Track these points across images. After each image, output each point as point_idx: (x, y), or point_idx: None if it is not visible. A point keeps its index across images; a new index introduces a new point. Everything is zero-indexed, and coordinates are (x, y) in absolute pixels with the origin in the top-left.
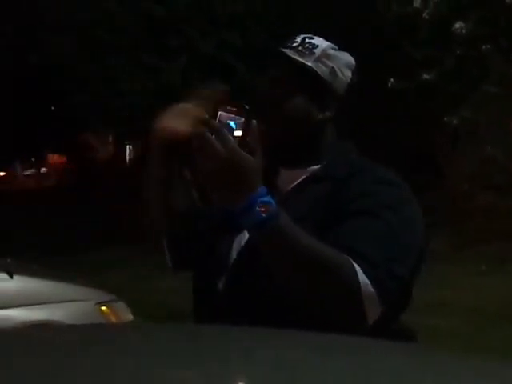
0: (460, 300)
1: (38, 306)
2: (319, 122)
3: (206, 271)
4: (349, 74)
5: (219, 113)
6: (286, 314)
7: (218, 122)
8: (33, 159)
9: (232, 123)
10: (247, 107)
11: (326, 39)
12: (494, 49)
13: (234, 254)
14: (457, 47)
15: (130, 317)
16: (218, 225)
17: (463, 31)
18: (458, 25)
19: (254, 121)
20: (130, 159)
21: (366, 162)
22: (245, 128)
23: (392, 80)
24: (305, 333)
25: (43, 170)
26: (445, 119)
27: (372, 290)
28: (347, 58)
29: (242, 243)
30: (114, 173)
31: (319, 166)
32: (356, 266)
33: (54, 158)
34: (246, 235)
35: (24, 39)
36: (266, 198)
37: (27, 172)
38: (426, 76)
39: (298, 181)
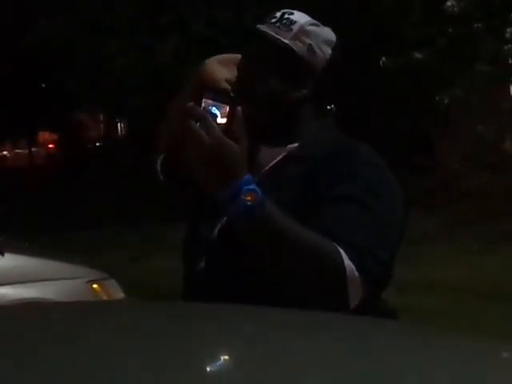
0: (452, 280)
1: (28, 284)
2: (295, 100)
3: (190, 251)
4: (328, 50)
5: (203, 100)
6: (267, 292)
7: (202, 109)
8: (23, 138)
9: (216, 110)
10: (232, 94)
11: (316, 17)
12: (485, 27)
13: (215, 234)
14: (449, 26)
15: (122, 295)
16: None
17: (455, 9)
18: (449, 3)
19: (239, 107)
20: (121, 137)
21: (345, 140)
22: (229, 115)
23: (384, 59)
24: (286, 310)
25: (34, 149)
26: (436, 98)
27: (357, 275)
28: (327, 34)
29: (223, 223)
30: (105, 150)
31: (297, 144)
32: (342, 251)
33: (45, 136)
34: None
35: (17, 18)
36: (252, 186)
37: (18, 151)
38: (417, 55)
39: (276, 160)
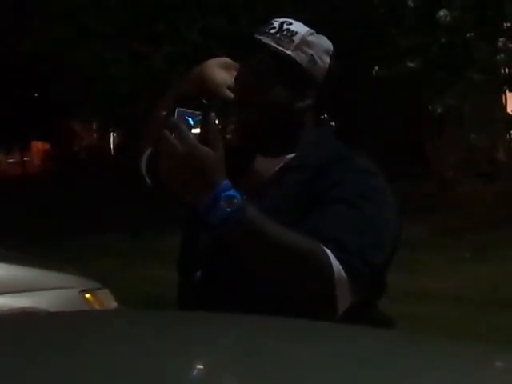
0: (445, 287)
1: (21, 294)
2: (298, 110)
3: (185, 260)
4: (327, 59)
5: (176, 109)
6: (260, 302)
7: (175, 119)
8: (16, 147)
9: (190, 120)
10: (205, 102)
11: (312, 26)
12: (478, 36)
13: (209, 243)
14: (441, 35)
15: (114, 304)
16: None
17: (448, 19)
18: (442, 12)
19: (213, 114)
20: (114, 146)
21: (342, 149)
22: (204, 123)
23: (376, 68)
24: (283, 319)
25: (26, 158)
26: (429, 107)
27: (344, 275)
28: (325, 43)
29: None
30: (99, 160)
31: (294, 154)
32: (328, 251)
33: (38, 146)
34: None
35: (10, 26)
36: (231, 192)
37: (10, 159)
38: (410, 64)
39: (274, 170)
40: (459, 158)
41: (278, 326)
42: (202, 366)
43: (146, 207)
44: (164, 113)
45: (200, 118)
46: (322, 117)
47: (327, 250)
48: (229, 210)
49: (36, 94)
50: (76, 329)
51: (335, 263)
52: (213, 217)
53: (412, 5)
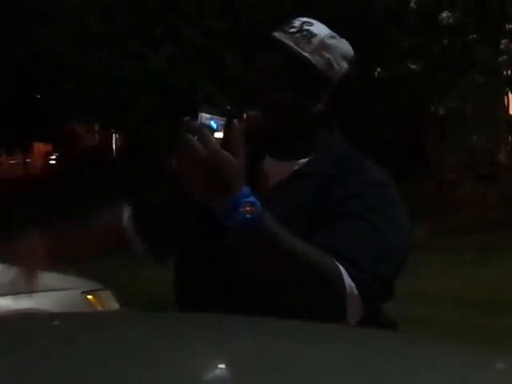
0: (446, 289)
1: (23, 295)
2: (311, 114)
3: (186, 266)
4: (345, 64)
5: (200, 114)
6: (266, 307)
7: (198, 123)
8: (18, 148)
9: (213, 123)
10: (228, 107)
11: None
12: (480, 38)
13: (211, 250)
14: (443, 36)
15: (116, 305)
16: (195, 219)
17: (450, 20)
18: (444, 14)
19: (236, 120)
20: (116, 147)
21: (356, 157)
22: (226, 128)
23: (379, 69)
24: (286, 321)
25: (28, 160)
26: (431, 109)
27: (356, 292)
28: (345, 47)
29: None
30: (101, 161)
31: (307, 159)
32: (341, 268)
33: (40, 147)
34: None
35: (12, 28)
36: (251, 199)
37: (12, 161)
38: (412, 65)
39: (286, 175)
40: (460, 159)
41: (278, 326)
42: (203, 368)
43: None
44: (187, 118)
45: (223, 123)
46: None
47: (340, 266)
48: (248, 216)
49: (38, 96)
50: (78, 330)
51: (347, 280)
52: (231, 222)
53: (414, 6)
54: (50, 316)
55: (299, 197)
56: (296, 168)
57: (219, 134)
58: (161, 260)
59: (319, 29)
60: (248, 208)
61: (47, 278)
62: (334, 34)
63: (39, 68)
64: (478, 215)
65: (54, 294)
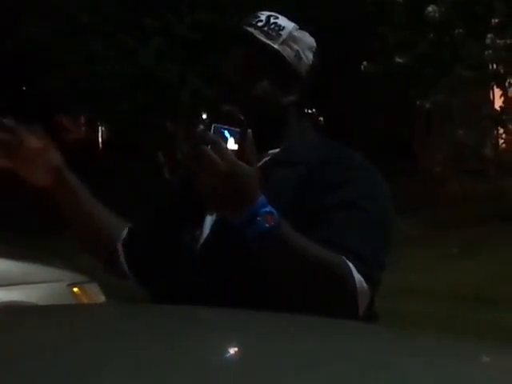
0: (433, 284)
1: (9, 287)
2: (283, 106)
3: (173, 259)
4: (311, 56)
5: (213, 125)
6: (262, 295)
7: (213, 134)
8: None
9: (226, 133)
10: (242, 117)
11: (300, 23)
12: (466, 33)
13: (199, 247)
14: (430, 31)
15: (103, 298)
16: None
17: (436, 15)
18: (430, 8)
19: (250, 130)
20: (102, 140)
21: (329, 143)
22: (241, 138)
23: (365, 63)
24: (279, 314)
25: None
26: (417, 103)
27: (365, 285)
28: (309, 39)
29: (207, 228)
30: (87, 154)
31: (279, 149)
32: (350, 264)
33: None
34: (209, 219)
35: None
36: (268, 209)
37: None
38: (399, 60)
39: (259, 164)
40: (447, 154)
41: (272, 320)
42: (193, 360)
43: (132, 200)
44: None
45: (236, 131)
46: (310, 111)
47: (349, 263)
48: (267, 225)
49: (24, 88)
50: (64, 322)
51: (357, 275)
52: (250, 231)
53: (401, 0)
54: (35, 308)
55: (278, 184)
56: (268, 158)
57: (232, 144)
58: (145, 285)
59: (285, 22)
60: (266, 218)
61: (33, 269)
62: (297, 26)
63: (26, 61)
64: (465, 210)
65: (40, 286)
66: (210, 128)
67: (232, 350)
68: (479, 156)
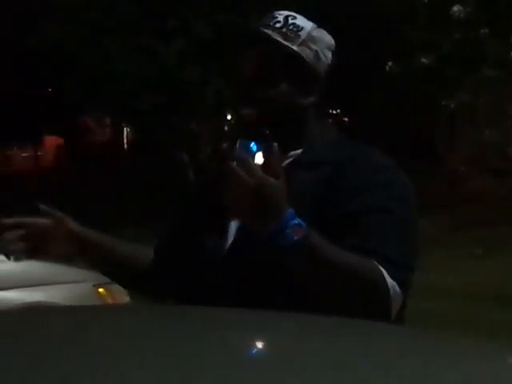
0: (455, 284)
1: (34, 288)
2: (302, 107)
3: (196, 262)
4: (329, 55)
5: (238, 141)
6: (289, 299)
7: (239, 150)
8: (29, 142)
9: (253, 146)
10: (267, 132)
11: (325, 23)
12: (491, 32)
13: (224, 252)
14: (455, 31)
15: (127, 299)
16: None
17: (461, 15)
18: (456, 8)
19: (276, 144)
20: (127, 142)
21: (355, 144)
22: (267, 153)
23: (390, 64)
24: (299, 314)
25: (40, 153)
26: (443, 103)
27: (398, 290)
28: (328, 38)
29: (231, 237)
30: (112, 155)
31: (300, 150)
32: (382, 269)
33: (51, 140)
34: (231, 228)
35: (22, 23)
36: (296, 221)
37: (24, 154)
38: (424, 60)
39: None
40: (471, 153)
41: (287, 321)
42: (217, 362)
43: (158, 203)
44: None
45: (262, 146)
46: (335, 112)
47: (381, 268)
48: (296, 237)
49: (49, 89)
50: (89, 323)
51: (389, 280)
52: (279, 244)
53: (426, 0)
54: (61, 309)
55: (301, 187)
56: (291, 159)
57: (258, 158)
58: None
59: (303, 22)
60: (295, 230)
61: (58, 270)
62: (315, 25)
63: (50, 62)
64: (489, 209)
65: (65, 287)
66: (236, 143)
67: (257, 350)
68: (504, 155)
